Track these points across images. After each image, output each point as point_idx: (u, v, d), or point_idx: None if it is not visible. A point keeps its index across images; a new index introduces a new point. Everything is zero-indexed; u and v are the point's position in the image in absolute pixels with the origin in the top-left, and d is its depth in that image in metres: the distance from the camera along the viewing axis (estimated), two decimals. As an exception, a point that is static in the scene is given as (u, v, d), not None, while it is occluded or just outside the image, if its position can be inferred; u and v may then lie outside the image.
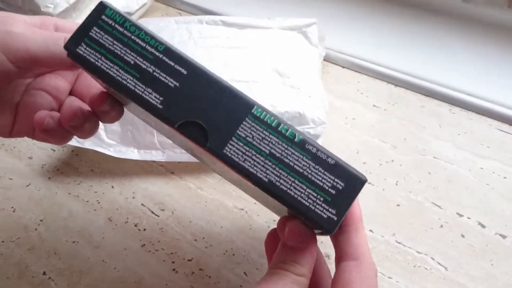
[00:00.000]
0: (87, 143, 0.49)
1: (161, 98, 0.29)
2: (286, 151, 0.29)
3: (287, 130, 0.29)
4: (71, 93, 0.37)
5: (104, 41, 0.29)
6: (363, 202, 0.45)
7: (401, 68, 0.58)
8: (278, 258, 0.30)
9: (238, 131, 0.29)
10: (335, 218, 0.29)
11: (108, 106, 0.33)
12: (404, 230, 0.44)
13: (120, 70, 0.29)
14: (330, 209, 0.29)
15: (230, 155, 0.28)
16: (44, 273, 0.42)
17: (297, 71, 0.52)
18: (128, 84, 0.29)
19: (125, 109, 0.36)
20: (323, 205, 0.29)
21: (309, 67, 0.53)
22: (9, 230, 0.46)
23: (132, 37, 0.29)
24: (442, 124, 0.53)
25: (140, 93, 0.29)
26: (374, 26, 0.65)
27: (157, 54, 0.29)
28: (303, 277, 0.29)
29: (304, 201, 0.29)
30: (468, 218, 0.44)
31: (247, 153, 0.29)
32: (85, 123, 0.34)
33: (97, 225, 0.46)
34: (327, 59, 0.61)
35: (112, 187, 0.49)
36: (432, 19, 0.64)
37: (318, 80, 0.54)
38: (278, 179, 0.29)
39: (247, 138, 0.29)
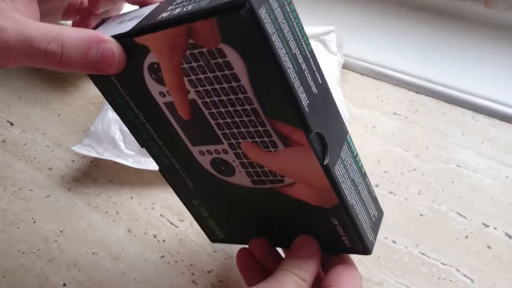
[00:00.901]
0: (106, 154, 0.50)
1: (308, 101, 0.25)
2: (359, 179, 0.31)
3: (359, 161, 0.31)
4: None
5: (278, 15, 0.24)
6: (385, 212, 0.44)
7: (422, 75, 0.57)
8: (284, 263, 0.32)
9: (341, 153, 0.29)
10: (373, 242, 0.33)
11: None
12: (428, 241, 0.42)
13: (286, 56, 0.24)
14: (372, 234, 0.33)
15: (335, 175, 0.28)
16: (64, 285, 0.42)
17: (316, 80, 0.51)
18: (290, 75, 0.24)
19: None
20: (369, 229, 0.32)
21: (328, 75, 0.53)
22: (29, 241, 0.46)
23: (294, 23, 0.25)
24: (465, 131, 0.51)
25: (297, 88, 0.25)
26: (393, 32, 0.64)
27: (307, 52, 0.26)
28: (304, 282, 0.30)
29: (364, 225, 0.31)
30: (494, 228, 0.43)
31: (344, 175, 0.29)
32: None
33: (116, 236, 0.46)
34: (345, 66, 0.60)
35: (131, 197, 0.49)
36: (453, 24, 0.63)
37: (337, 88, 0.53)
38: (355, 203, 0.31)
39: (345, 162, 0.29)
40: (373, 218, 0.33)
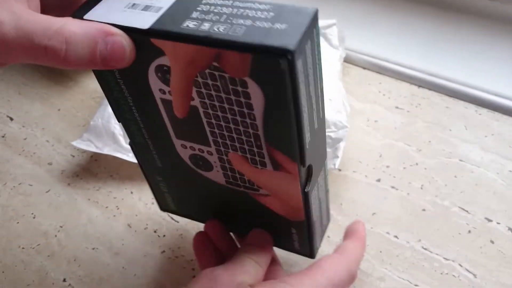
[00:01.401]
0: (106, 149, 0.49)
1: (309, 139, 0.27)
2: (323, 196, 0.34)
3: (327, 179, 0.34)
4: None
5: (308, 62, 0.24)
6: (387, 206, 0.44)
7: (424, 69, 0.57)
8: (243, 249, 0.34)
9: (318, 178, 0.31)
10: (319, 247, 0.36)
11: None
12: (431, 236, 0.42)
13: (305, 100, 0.25)
14: (320, 241, 0.37)
15: (311, 200, 0.31)
16: (64, 280, 0.42)
17: (317, 73, 0.51)
18: (303, 118, 0.25)
19: None
20: (319, 238, 0.36)
21: (330, 70, 0.52)
22: (29, 236, 0.46)
23: (317, 65, 0.25)
24: (468, 126, 0.51)
25: (305, 130, 0.26)
26: (395, 25, 0.64)
27: (319, 91, 0.27)
28: (260, 267, 0.33)
29: (316, 236, 0.35)
30: (498, 223, 0.43)
31: (315, 197, 0.32)
32: None
33: (116, 232, 0.45)
34: (347, 60, 0.60)
35: (131, 192, 0.48)
36: (456, 17, 0.63)
37: (338, 82, 0.53)
38: (317, 220, 0.34)
39: (318, 185, 0.32)
40: (324, 227, 0.36)
